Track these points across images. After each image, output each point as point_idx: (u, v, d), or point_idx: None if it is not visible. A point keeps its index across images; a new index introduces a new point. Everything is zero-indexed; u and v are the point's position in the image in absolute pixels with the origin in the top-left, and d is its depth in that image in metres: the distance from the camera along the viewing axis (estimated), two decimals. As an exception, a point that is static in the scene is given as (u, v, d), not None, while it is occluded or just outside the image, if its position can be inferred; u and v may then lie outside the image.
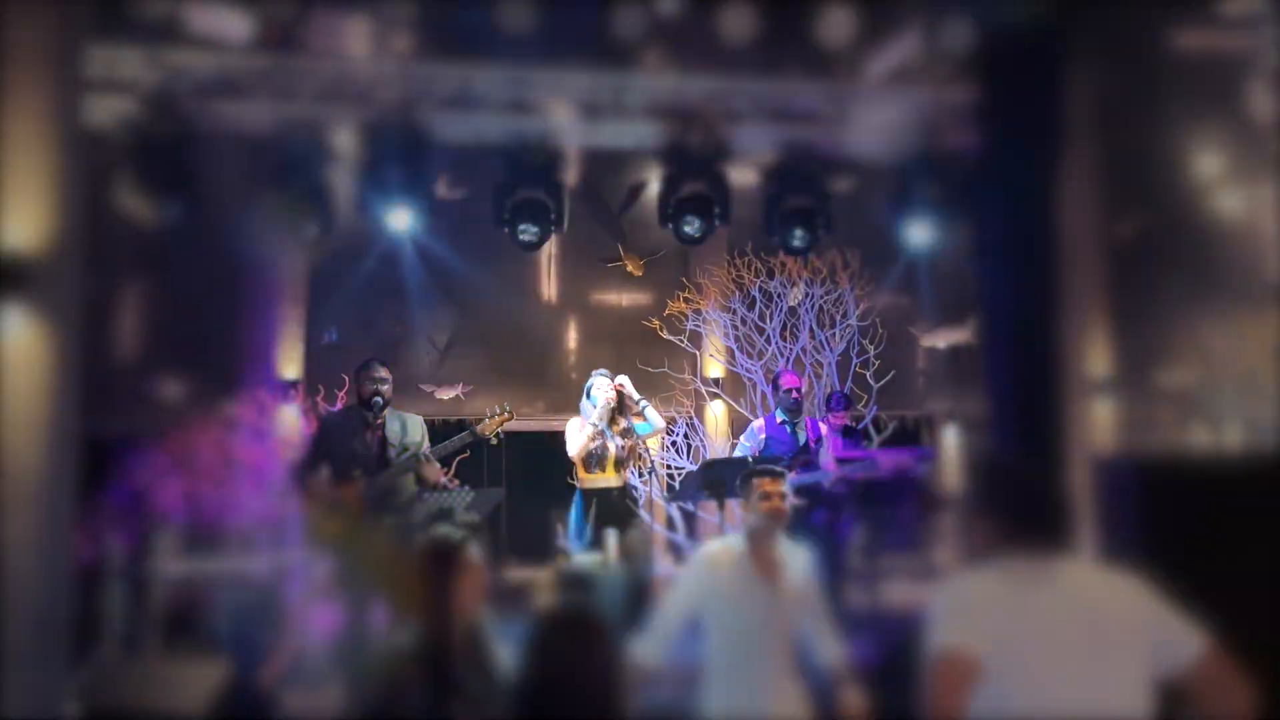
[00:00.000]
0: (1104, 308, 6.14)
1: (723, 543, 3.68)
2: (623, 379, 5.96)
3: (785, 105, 5.61)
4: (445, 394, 8.84)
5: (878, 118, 5.68)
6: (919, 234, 6.05)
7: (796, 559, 3.57)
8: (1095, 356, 6.15)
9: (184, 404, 7.32)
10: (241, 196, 5.88)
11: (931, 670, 2.19)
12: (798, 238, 5.85)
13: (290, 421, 7.70)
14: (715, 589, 3.43)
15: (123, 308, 7.35)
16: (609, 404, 5.87)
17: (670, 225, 5.86)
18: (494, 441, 5.42)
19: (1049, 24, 5.09)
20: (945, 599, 2.30)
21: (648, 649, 3.39)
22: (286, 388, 7.96)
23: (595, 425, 5.86)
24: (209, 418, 7.01)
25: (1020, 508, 2.34)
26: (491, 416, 5.31)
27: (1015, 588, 2.23)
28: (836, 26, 5.12)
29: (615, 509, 5.89)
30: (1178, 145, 5.82)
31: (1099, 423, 6.08)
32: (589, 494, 5.91)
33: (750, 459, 5.86)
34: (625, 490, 6.03)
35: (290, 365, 8.28)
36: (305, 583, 5.75)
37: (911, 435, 8.70)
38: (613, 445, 5.89)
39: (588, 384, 6.12)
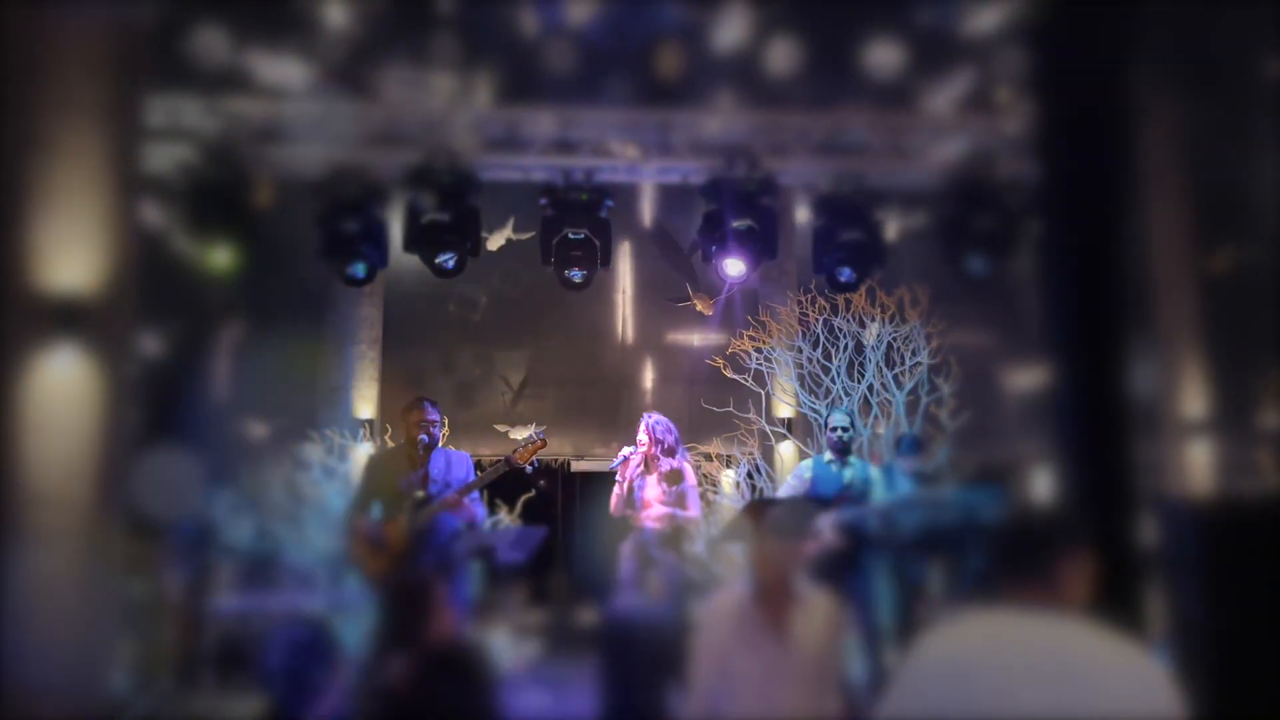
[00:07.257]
0: (1196, 344, 5.85)
1: (730, 593, 3.48)
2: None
3: (834, 139, 5.51)
4: (519, 434, 8.87)
5: (934, 150, 5.52)
6: (981, 268, 5.79)
7: (818, 607, 3.33)
8: (1188, 396, 5.84)
9: (260, 442, 7.54)
10: (308, 238, 6.04)
11: None
12: (845, 273, 5.65)
13: (362, 460, 7.83)
14: (722, 645, 3.28)
15: (205, 348, 7.62)
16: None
17: (712, 262, 5.77)
18: (529, 470, 5.35)
19: (1118, 53, 4.89)
20: (910, 662, 2.15)
21: (689, 706, 3.28)
22: (359, 427, 8.12)
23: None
24: (282, 455, 7.18)
25: (1005, 551, 2.21)
26: (526, 445, 5.26)
27: (986, 645, 2.07)
28: (885, 59, 5.01)
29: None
30: (1275, 174, 5.52)
31: (1193, 466, 5.75)
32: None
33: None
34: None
35: (365, 404, 8.45)
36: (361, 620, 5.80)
37: (997, 477, 8.32)
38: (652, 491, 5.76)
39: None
